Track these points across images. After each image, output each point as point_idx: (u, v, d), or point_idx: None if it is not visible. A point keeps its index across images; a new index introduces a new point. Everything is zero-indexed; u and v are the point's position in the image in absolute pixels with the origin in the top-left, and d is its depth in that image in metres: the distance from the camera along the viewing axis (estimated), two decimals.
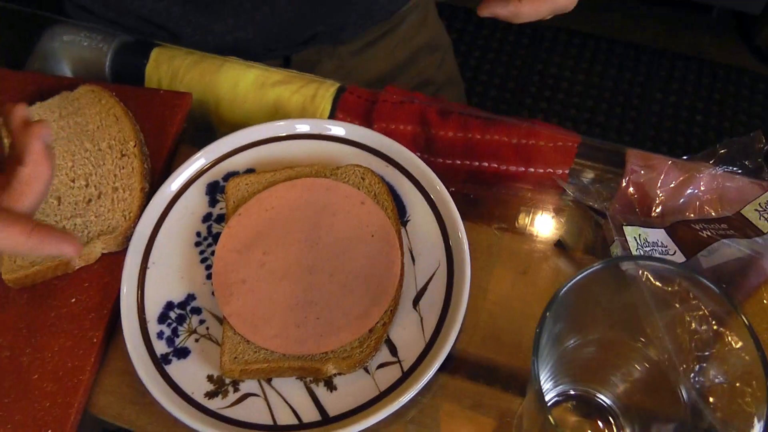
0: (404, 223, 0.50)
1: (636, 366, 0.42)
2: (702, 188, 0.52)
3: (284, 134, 0.53)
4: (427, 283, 0.48)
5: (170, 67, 0.60)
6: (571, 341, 0.42)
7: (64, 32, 0.59)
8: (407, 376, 0.45)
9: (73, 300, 0.48)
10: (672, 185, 0.52)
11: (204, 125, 0.60)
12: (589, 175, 0.55)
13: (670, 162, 0.53)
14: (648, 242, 0.47)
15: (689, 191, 0.52)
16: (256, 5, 0.66)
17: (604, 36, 1.59)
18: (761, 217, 0.48)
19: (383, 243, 0.48)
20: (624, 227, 0.47)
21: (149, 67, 0.60)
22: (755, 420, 0.35)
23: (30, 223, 0.42)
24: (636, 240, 0.47)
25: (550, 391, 0.43)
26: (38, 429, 0.46)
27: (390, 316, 0.46)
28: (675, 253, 0.48)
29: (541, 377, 0.39)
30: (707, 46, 1.57)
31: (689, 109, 1.51)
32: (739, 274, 0.50)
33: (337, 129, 0.52)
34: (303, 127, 0.53)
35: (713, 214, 0.51)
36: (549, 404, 0.43)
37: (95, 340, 0.48)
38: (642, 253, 0.46)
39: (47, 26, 0.60)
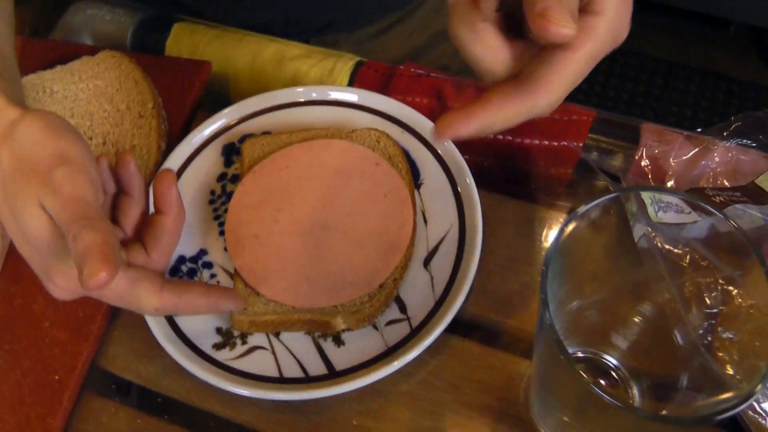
0: (418, 186, 0.50)
1: (641, 326, 0.41)
2: (716, 160, 0.52)
3: (300, 100, 0.53)
4: (438, 244, 0.48)
5: (191, 41, 0.61)
6: (575, 304, 0.42)
7: (88, 7, 0.61)
8: (415, 333, 0.45)
9: None
10: (685, 158, 0.52)
11: (223, 97, 0.61)
12: (603, 149, 0.56)
13: (684, 135, 0.53)
14: (663, 201, 0.47)
15: (703, 163, 0.52)
16: None
17: (620, 48, 1.60)
18: None
19: (396, 203, 0.48)
20: (641, 192, 0.47)
21: (170, 40, 0.61)
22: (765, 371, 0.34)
23: (202, 285, 0.43)
24: (652, 199, 0.47)
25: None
26: (47, 374, 0.46)
27: (400, 273, 0.46)
28: (690, 213, 0.48)
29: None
30: (723, 61, 1.57)
31: (705, 124, 1.50)
32: (755, 244, 0.49)
33: (351, 95, 0.53)
34: (318, 93, 0.54)
35: (727, 184, 0.51)
36: None
37: None
38: (657, 209, 0.46)
39: (73, 1, 0.62)
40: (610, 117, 0.56)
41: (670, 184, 0.51)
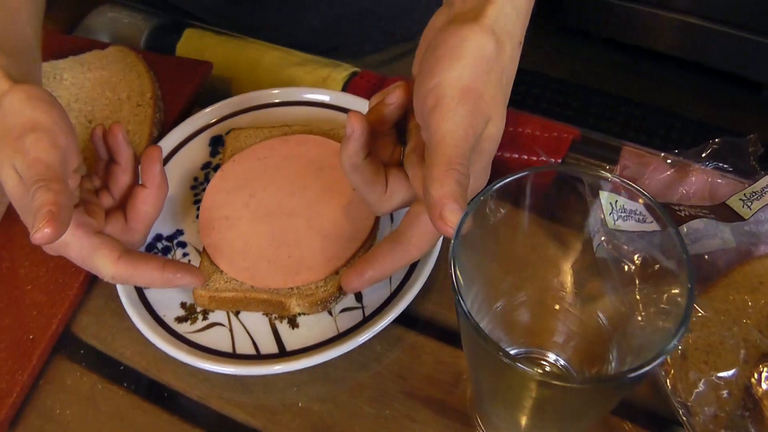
0: None
1: (571, 326, 0.41)
2: (692, 182, 0.52)
3: (280, 100, 0.57)
4: None
5: (199, 45, 0.65)
6: (498, 302, 0.42)
7: (109, 10, 0.66)
8: (367, 320, 0.46)
9: None
10: (661, 178, 0.53)
11: (225, 98, 0.65)
12: (582, 167, 0.56)
13: (661, 155, 0.54)
14: (625, 209, 0.47)
15: (678, 184, 0.52)
16: (281, 7, 0.71)
17: (650, 106, 1.60)
18: (744, 206, 0.48)
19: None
20: (600, 191, 0.48)
21: (180, 43, 0.65)
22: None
23: (161, 259, 0.45)
24: (612, 205, 0.47)
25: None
26: (23, 333, 0.49)
27: None
28: (652, 223, 0.48)
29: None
30: (754, 124, 1.55)
31: None
32: (723, 266, 0.49)
33: (323, 96, 0.57)
34: (293, 93, 0.57)
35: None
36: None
37: None
38: (616, 218, 0.46)
39: (98, 4, 0.67)
40: (591, 136, 0.57)
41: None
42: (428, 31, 0.44)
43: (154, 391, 0.48)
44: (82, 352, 0.50)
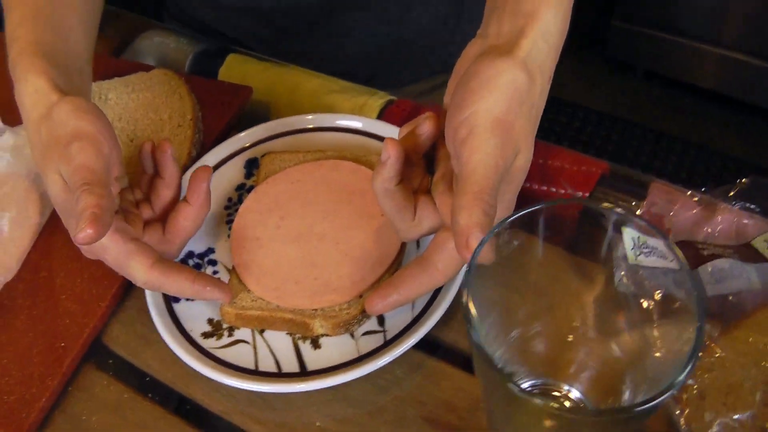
0: None
1: (587, 357, 0.41)
2: (718, 221, 0.52)
3: (317, 126, 0.58)
4: None
5: (241, 70, 0.67)
6: (514, 332, 0.42)
7: (157, 35, 0.69)
8: (388, 344, 0.47)
9: None
10: (687, 216, 0.52)
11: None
12: (610, 202, 0.56)
13: (688, 193, 0.53)
14: (647, 245, 0.47)
15: (704, 223, 0.52)
16: (323, 36, 0.73)
17: (684, 138, 1.59)
18: None
19: (390, 223, 0.50)
20: (622, 228, 0.48)
21: (223, 68, 0.67)
22: None
23: (193, 271, 0.47)
24: (634, 241, 0.47)
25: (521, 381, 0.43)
26: (55, 341, 0.50)
27: None
28: (673, 261, 0.48)
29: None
30: None
31: None
32: (748, 307, 0.48)
33: (355, 123, 0.58)
34: (328, 120, 0.59)
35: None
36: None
37: (118, 276, 0.52)
38: (638, 254, 0.46)
39: (146, 29, 0.70)
40: (620, 171, 0.57)
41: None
42: (462, 62, 0.45)
43: (179, 403, 0.49)
44: (111, 361, 0.51)
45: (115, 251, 0.45)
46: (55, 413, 0.49)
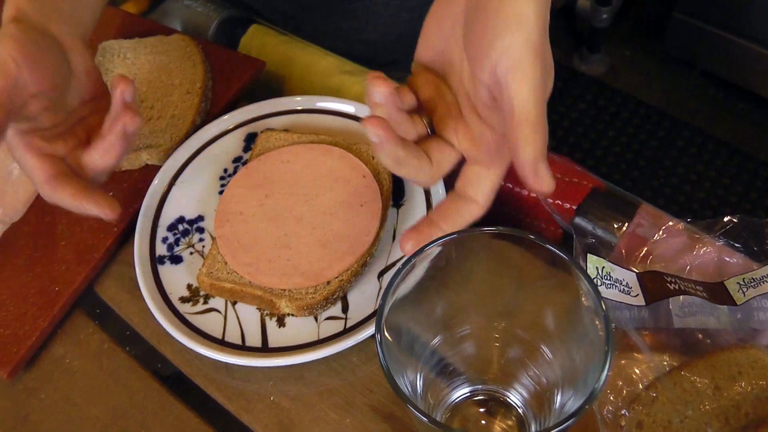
0: (399, 205, 0.54)
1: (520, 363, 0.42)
2: (699, 254, 0.51)
3: (316, 107, 0.59)
4: (397, 261, 0.51)
5: (262, 41, 0.69)
6: (441, 336, 0.43)
7: None
8: (347, 331, 0.49)
9: (111, 193, 0.56)
10: (668, 243, 0.52)
11: (277, 95, 0.68)
12: (597, 217, 0.56)
13: (672, 221, 0.53)
14: (611, 277, 0.48)
15: (685, 254, 0.52)
16: (346, 17, 0.74)
17: (730, 143, 1.53)
18: (740, 290, 0.47)
19: (368, 214, 0.52)
20: (588, 254, 0.48)
21: (245, 38, 0.69)
22: None
23: (79, 187, 0.48)
24: (597, 270, 0.48)
25: (460, 387, 0.44)
26: (50, 284, 0.54)
27: (350, 276, 0.50)
28: (638, 295, 0.48)
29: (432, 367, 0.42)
30: None
31: None
32: (710, 345, 0.48)
33: (348, 107, 0.59)
34: (328, 104, 0.60)
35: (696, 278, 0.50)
36: (455, 400, 0.44)
37: (115, 230, 0.56)
38: (599, 283, 0.47)
39: None
40: (611, 189, 0.57)
41: (640, 258, 0.51)
42: None
43: (151, 359, 0.52)
44: (98, 311, 0.55)
45: (23, 163, 0.49)
46: (42, 353, 0.53)
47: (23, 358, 0.52)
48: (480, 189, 0.44)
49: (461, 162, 0.46)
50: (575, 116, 1.67)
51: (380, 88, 0.42)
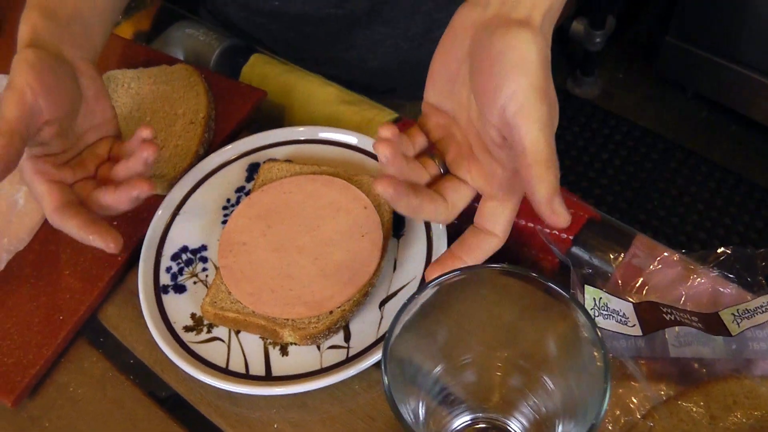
0: (399, 236, 0.55)
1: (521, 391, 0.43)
2: (694, 286, 0.53)
3: (318, 138, 0.61)
4: (398, 291, 0.52)
5: (263, 71, 0.70)
6: (442, 365, 0.44)
7: (188, 26, 0.72)
8: (349, 360, 0.49)
9: (115, 222, 0.58)
10: (663, 273, 0.53)
11: (278, 126, 0.70)
12: (593, 247, 0.57)
13: (667, 252, 0.54)
14: (608, 308, 0.49)
15: (679, 284, 0.53)
16: (347, 47, 0.75)
17: (725, 167, 1.55)
18: (734, 321, 0.48)
19: (369, 245, 0.53)
20: (585, 286, 0.49)
21: (246, 67, 0.70)
22: None
23: (87, 219, 0.49)
24: (595, 301, 0.49)
25: (461, 415, 0.45)
26: (54, 312, 0.55)
27: (352, 306, 0.51)
28: (635, 326, 0.49)
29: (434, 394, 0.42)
30: None
31: None
32: (706, 375, 0.49)
33: (351, 138, 0.60)
34: (330, 134, 0.61)
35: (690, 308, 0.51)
36: (457, 428, 0.45)
37: (119, 258, 0.56)
38: (596, 314, 0.48)
39: (178, 19, 0.73)
40: (606, 220, 0.58)
41: (635, 288, 0.53)
42: (454, 32, 0.45)
43: (154, 387, 0.53)
44: (101, 339, 0.56)
45: (32, 188, 0.50)
46: (46, 381, 0.54)
47: (27, 387, 0.53)
48: (498, 223, 0.47)
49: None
50: (569, 139, 1.69)
51: (386, 151, 0.43)
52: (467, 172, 0.47)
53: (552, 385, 0.42)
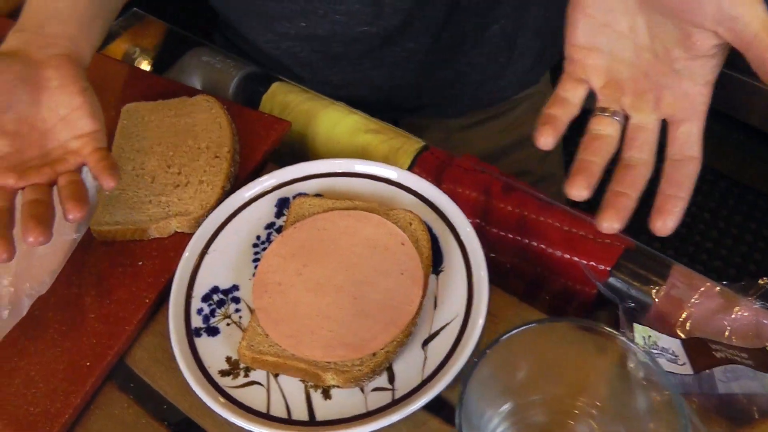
0: (438, 272, 0.54)
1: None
2: (737, 317, 0.52)
3: (352, 171, 0.59)
4: (441, 329, 0.51)
5: (284, 100, 0.69)
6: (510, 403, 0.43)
7: (204, 54, 0.70)
8: (395, 403, 0.48)
9: (140, 263, 0.56)
10: (705, 307, 0.53)
11: (302, 156, 0.68)
12: (632, 277, 0.57)
13: (708, 284, 0.53)
14: (657, 346, 0.48)
15: (722, 317, 0.52)
16: (375, 65, 0.74)
17: (730, 176, 1.56)
18: None
19: (409, 282, 0.52)
20: (635, 324, 0.49)
21: (266, 96, 0.69)
22: None
23: None
24: (644, 340, 0.48)
25: None
26: (80, 359, 0.53)
27: (396, 346, 0.49)
28: (684, 364, 0.48)
29: None
30: None
31: None
32: (755, 412, 0.49)
33: (391, 172, 0.59)
34: (367, 167, 0.60)
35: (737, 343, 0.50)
36: None
37: (147, 301, 0.55)
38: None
39: (194, 47, 0.71)
40: (641, 248, 0.57)
41: (680, 323, 0.52)
42: None
43: None
44: (131, 384, 0.54)
45: None
46: (75, 429, 0.52)
47: None
48: (694, 143, 0.45)
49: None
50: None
51: (548, 139, 0.46)
52: (656, 107, 0.45)
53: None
